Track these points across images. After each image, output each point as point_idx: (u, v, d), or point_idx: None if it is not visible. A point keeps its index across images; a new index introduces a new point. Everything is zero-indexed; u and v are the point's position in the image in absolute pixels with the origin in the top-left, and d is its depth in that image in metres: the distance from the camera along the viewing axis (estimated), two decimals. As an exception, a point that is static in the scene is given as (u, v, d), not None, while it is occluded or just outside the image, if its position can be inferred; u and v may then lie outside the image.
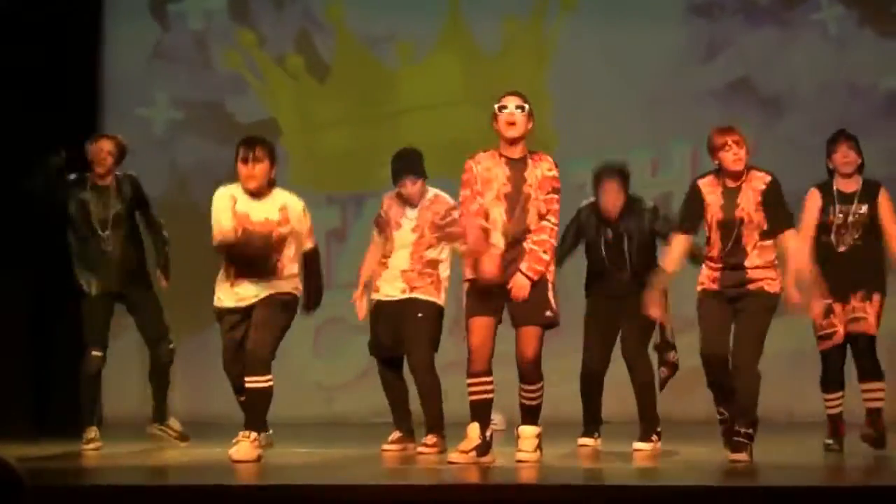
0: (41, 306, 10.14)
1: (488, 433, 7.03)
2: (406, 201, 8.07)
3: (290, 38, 10.95)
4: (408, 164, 8.09)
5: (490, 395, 7.00)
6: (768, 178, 7.28)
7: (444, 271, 8.04)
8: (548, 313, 6.97)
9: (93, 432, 8.23)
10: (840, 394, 7.96)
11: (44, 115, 10.08)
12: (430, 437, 7.81)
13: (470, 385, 6.99)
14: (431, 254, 8.00)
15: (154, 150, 10.86)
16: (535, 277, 6.95)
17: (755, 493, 6.13)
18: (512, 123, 7.01)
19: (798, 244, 7.28)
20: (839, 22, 10.77)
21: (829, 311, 7.76)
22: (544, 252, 6.99)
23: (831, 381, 7.95)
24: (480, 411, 6.98)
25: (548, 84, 10.82)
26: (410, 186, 8.05)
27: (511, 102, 7.04)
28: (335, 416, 10.50)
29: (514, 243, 6.98)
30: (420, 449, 7.83)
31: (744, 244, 7.22)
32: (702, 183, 7.37)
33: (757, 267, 7.21)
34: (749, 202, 7.24)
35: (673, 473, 7.10)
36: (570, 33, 10.80)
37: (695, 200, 7.35)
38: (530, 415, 7.07)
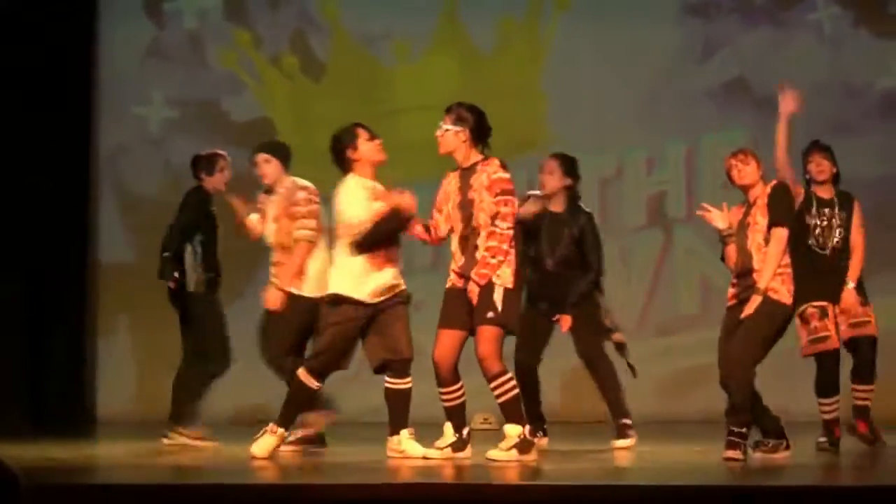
0: (38, 306, 10.13)
1: (465, 431, 7.31)
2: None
3: (285, 37, 10.94)
4: (262, 145, 8.10)
5: (457, 402, 7.29)
6: (773, 183, 7.47)
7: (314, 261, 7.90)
8: (489, 314, 7.09)
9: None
10: (836, 398, 7.98)
11: (40, 113, 10.08)
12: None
13: (440, 394, 7.33)
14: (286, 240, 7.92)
15: (149, 149, 10.85)
16: (482, 282, 7.10)
17: (751, 493, 6.13)
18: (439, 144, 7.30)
19: (773, 246, 7.31)
20: (835, 22, 10.77)
21: (823, 314, 7.83)
22: (493, 257, 7.11)
23: (827, 386, 7.96)
24: (451, 415, 7.31)
25: (543, 83, 10.82)
26: (263, 164, 8.00)
27: (441, 123, 7.30)
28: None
29: (471, 249, 7.16)
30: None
31: (748, 248, 7.38)
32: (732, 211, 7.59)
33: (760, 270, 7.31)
34: (757, 209, 7.42)
35: (669, 473, 7.10)
36: (565, 33, 10.79)
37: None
38: (506, 412, 7.17)
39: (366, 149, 7.41)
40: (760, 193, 7.44)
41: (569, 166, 8.29)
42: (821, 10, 10.77)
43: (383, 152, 7.46)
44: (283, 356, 7.89)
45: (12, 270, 9.96)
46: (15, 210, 9.95)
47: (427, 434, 7.47)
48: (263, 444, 7.39)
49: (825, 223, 7.95)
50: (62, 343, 10.14)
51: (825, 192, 8.00)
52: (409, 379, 7.45)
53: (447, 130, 7.26)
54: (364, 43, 10.91)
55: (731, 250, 7.49)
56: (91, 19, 10.75)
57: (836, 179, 8.02)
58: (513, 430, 7.12)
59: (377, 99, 10.86)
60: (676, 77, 10.72)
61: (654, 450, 8.16)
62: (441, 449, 7.29)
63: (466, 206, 7.18)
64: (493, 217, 7.12)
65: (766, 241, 7.35)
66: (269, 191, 8.11)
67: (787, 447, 7.49)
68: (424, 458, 7.26)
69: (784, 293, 7.31)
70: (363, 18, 10.84)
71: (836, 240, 7.94)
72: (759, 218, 7.38)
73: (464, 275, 7.19)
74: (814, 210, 7.94)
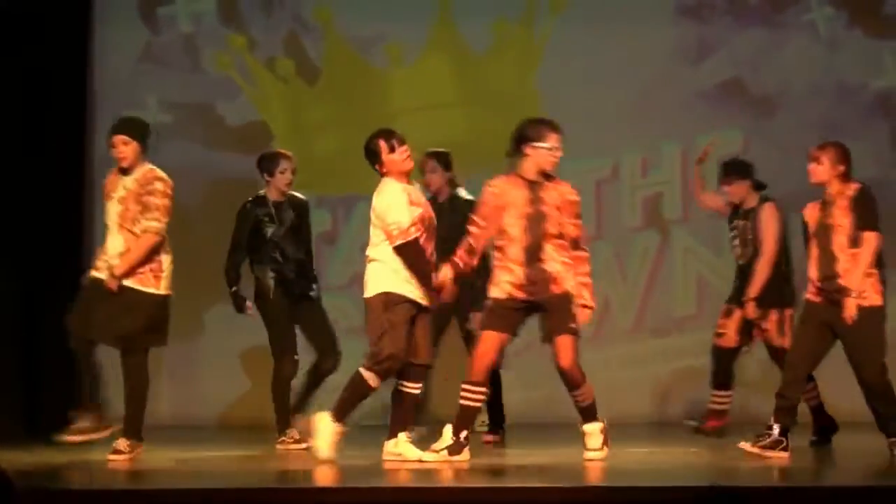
0: (34, 310, 10.11)
1: (462, 435, 7.32)
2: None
3: (279, 41, 10.93)
4: (121, 125, 7.85)
5: (476, 404, 7.38)
6: (858, 186, 7.60)
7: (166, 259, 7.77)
8: (572, 325, 7.38)
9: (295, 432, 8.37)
10: (729, 393, 8.59)
11: (34, 117, 10.06)
12: (121, 441, 7.64)
13: (462, 390, 7.34)
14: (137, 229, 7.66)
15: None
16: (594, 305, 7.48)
17: (747, 494, 6.12)
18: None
19: (865, 250, 7.46)
20: (829, 23, 10.76)
21: (729, 312, 8.52)
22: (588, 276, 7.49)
23: (721, 380, 8.59)
24: (462, 415, 7.35)
25: (537, 85, 10.81)
26: (122, 146, 7.73)
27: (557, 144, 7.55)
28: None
29: (537, 262, 7.32)
30: (70, 437, 7.69)
31: (832, 249, 7.50)
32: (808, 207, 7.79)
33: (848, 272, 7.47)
34: (837, 209, 7.53)
35: (665, 475, 7.10)
36: (559, 35, 10.78)
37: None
38: (586, 414, 7.50)
39: (390, 161, 7.46)
40: (838, 192, 7.53)
41: (446, 161, 8.74)
42: (815, 11, 10.76)
43: (409, 160, 7.47)
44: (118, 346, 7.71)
45: (8, 274, 9.94)
46: (10, 214, 9.93)
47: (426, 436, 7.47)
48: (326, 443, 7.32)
49: (735, 234, 8.59)
50: (59, 347, 10.11)
51: (747, 204, 8.63)
52: (421, 384, 7.46)
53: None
54: (358, 46, 10.90)
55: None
56: (86, 24, 10.73)
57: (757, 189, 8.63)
58: (596, 427, 7.48)
59: (372, 102, 10.85)
60: (671, 78, 10.70)
61: (652, 451, 8.16)
62: (437, 452, 7.31)
63: (537, 219, 7.33)
64: (576, 238, 7.41)
65: (851, 241, 7.46)
66: (125, 172, 7.81)
67: (786, 448, 7.51)
68: (420, 461, 7.25)
69: (873, 295, 7.47)
70: (357, 21, 10.82)
71: (745, 251, 8.56)
72: (843, 220, 7.49)
73: (528, 286, 7.30)
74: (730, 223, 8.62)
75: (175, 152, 10.75)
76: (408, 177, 7.50)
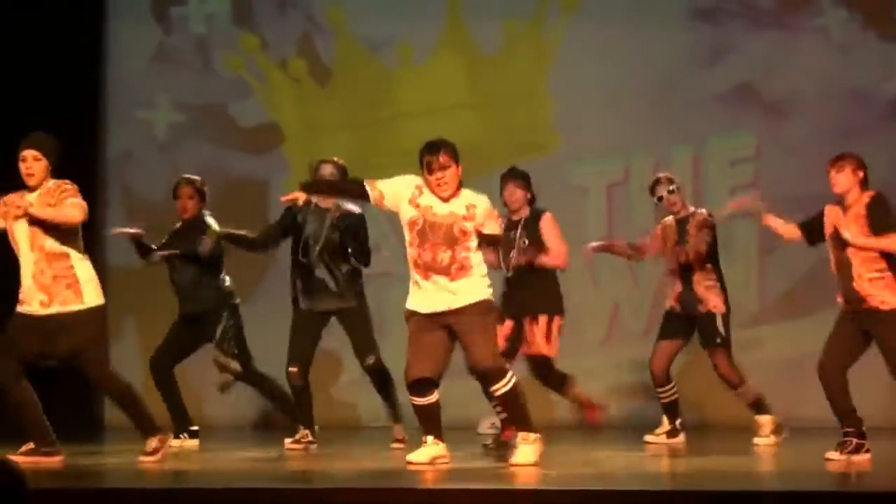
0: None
1: (678, 422, 8.70)
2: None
3: (292, 41, 10.95)
4: (36, 139, 7.40)
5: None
6: (872, 193, 7.63)
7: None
8: (718, 340, 8.82)
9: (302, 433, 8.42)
10: None
11: (46, 116, 10.08)
12: (149, 442, 7.37)
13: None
14: (55, 247, 7.27)
15: (155, 153, 10.87)
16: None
17: (753, 498, 6.12)
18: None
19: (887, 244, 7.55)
20: (842, 27, 10.75)
21: (501, 319, 8.08)
22: None
23: None
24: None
25: (549, 86, 10.82)
26: (33, 163, 7.28)
27: (663, 189, 8.81)
28: (329, 420, 10.48)
29: (689, 281, 8.76)
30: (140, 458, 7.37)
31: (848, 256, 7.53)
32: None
33: (860, 277, 7.48)
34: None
35: (667, 478, 7.09)
36: (571, 36, 10.78)
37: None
38: (756, 408, 8.70)
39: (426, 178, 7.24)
40: (854, 201, 7.56)
41: (202, 189, 8.75)
42: (828, 15, 10.75)
43: (439, 187, 7.18)
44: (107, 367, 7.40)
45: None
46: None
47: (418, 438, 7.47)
48: (526, 454, 7.18)
49: (509, 245, 8.30)
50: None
51: (517, 216, 8.43)
52: (492, 385, 7.22)
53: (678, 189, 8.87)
54: (370, 47, 10.91)
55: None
56: (99, 24, 10.77)
57: (530, 203, 8.44)
58: (767, 419, 8.67)
59: (382, 102, 10.87)
60: (684, 81, 10.70)
61: (660, 454, 8.17)
62: (657, 436, 8.63)
63: (681, 248, 8.73)
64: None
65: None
66: (31, 190, 7.38)
67: (868, 450, 7.52)
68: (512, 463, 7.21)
69: (891, 299, 7.49)
70: (368, 22, 10.84)
71: (516, 259, 8.34)
72: (853, 227, 7.51)
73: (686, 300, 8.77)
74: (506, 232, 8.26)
75: (187, 152, 10.80)
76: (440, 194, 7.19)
